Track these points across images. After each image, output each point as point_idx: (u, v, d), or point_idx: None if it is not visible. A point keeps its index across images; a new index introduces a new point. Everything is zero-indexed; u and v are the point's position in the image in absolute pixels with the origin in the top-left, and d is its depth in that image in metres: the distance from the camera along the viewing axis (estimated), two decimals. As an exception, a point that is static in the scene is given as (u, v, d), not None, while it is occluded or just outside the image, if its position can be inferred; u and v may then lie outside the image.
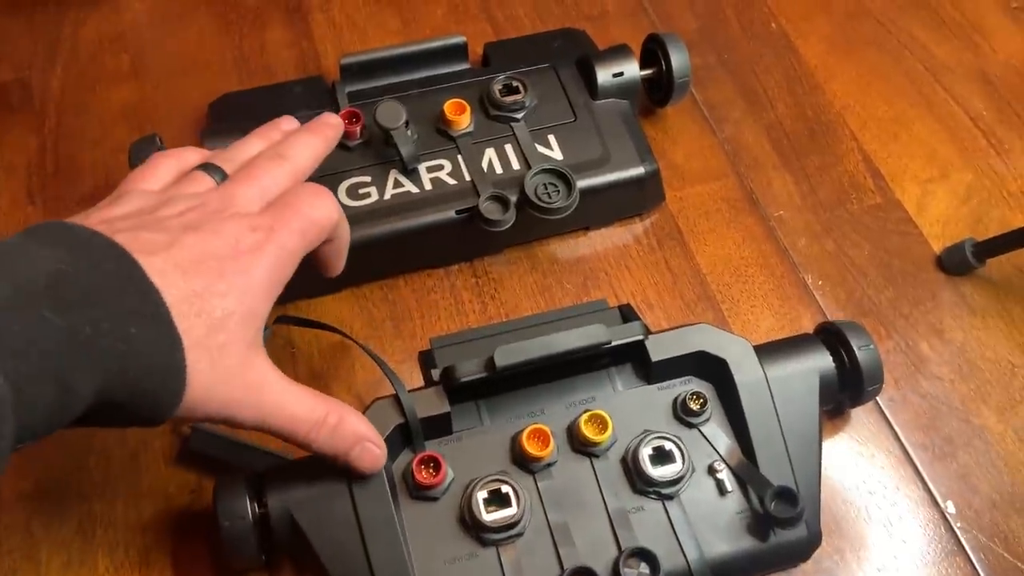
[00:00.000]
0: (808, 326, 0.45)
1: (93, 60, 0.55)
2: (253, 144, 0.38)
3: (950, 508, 0.40)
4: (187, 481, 0.41)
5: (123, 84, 0.54)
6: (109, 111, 0.53)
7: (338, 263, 0.39)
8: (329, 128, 0.40)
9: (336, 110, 0.47)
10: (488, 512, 0.36)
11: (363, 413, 0.37)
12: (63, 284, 0.27)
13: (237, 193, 0.34)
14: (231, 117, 0.49)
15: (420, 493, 0.37)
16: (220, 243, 0.31)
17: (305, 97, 0.49)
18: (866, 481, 0.41)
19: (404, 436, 0.37)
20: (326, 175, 0.45)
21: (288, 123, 0.40)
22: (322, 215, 0.35)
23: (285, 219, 0.33)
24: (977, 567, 0.39)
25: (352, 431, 0.34)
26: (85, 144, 0.52)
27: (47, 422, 0.26)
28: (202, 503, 0.40)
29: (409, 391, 0.38)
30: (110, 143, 0.51)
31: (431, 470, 0.37)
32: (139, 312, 0.28)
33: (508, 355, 0.37)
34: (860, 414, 0.43)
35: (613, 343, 0.38)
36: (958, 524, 0.40)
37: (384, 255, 0.46)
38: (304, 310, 0.46)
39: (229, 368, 0.31)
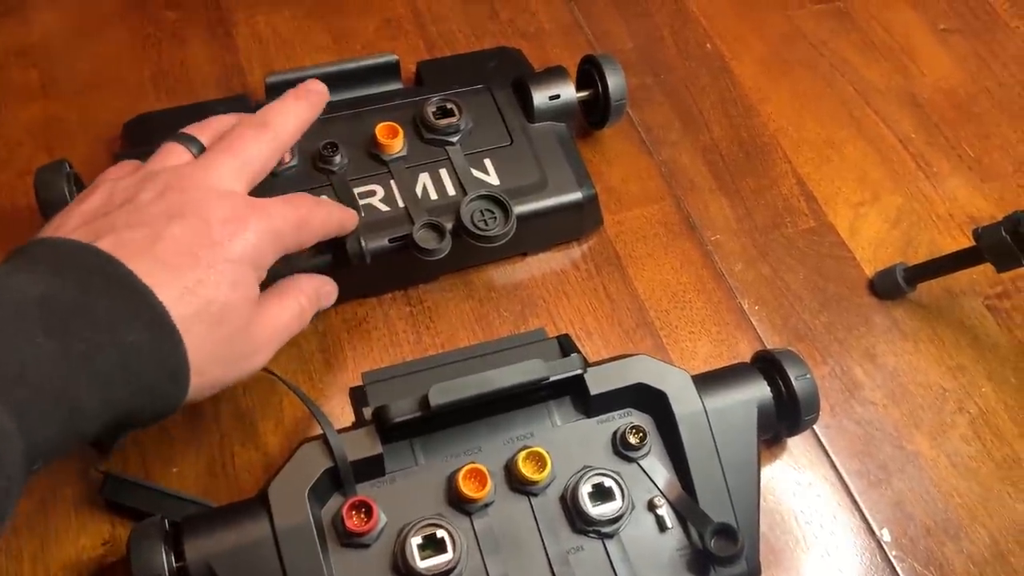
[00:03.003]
0: (745, 352, 0.45)
1: (-2, 75, 0.52)
2: (230, 118, 0.38)
3: (886, 536, 0.40)
4: (100, 531, 0.38)
5: (31, 101, 0.51)
6: (15, 130, 0.50)
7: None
8: (314, 94, 0.39)
9: (261, 132, 0.45)
10: (423, 559, 0.34)
11: (291, 457, 0.35)
12: (54, 306, 0.27)
13: (217, 166, 0.34)
14: (148, 138, 0.46)
15: (351, 540, 0.35)
16: (206, 230, 0.31)
17: (228, 118, 0.47)
18: (804, 510, 0.41)
19: (334, 480, 0.36)
20: (250, 202, 0.43)
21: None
22: (295, 217, 0.36)
23: (265, 208, 0.34)
24: (912, 595, 0.39)
25: (316, 290, 0.39)
26: (-12, 166, 0.48)
27: (60, 442, 0.27)
28: (117, 554, 0.38)
29: (339, 431, 0.36)
30: (16, 165, 0.48)
31: (363, 516, 0.35)
32: (136, 318, 0.28)
33: (443, 393, 0.36)
34: (797, 442, 0.43)
35: (552, 378, 0.37)
36: (894, 553, 0.40)
37: (313, 285, 0.44)
38: (228, 343, 0.43)
39: (232, 352, 0.32)
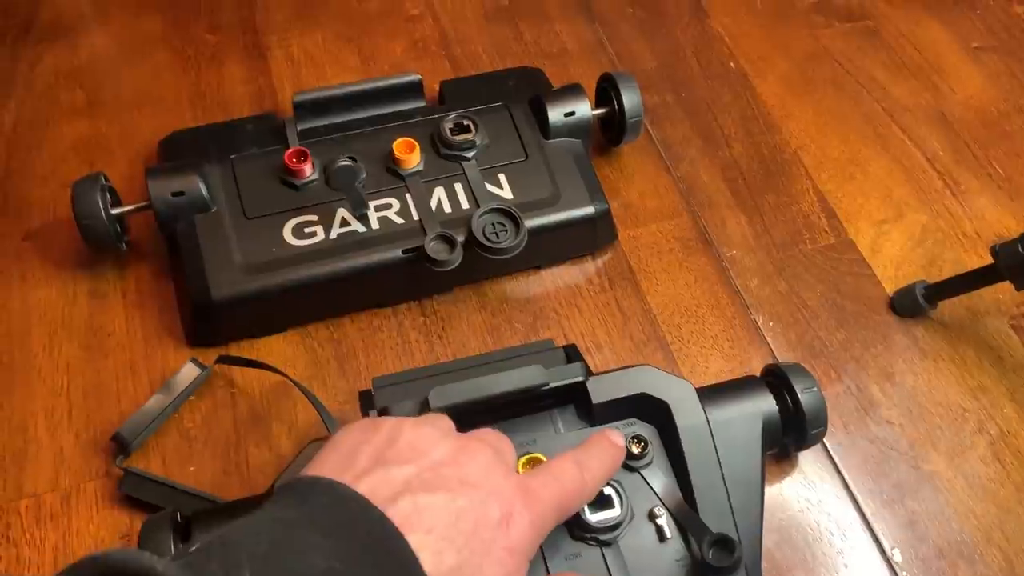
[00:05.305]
0: (757, 368, 0.45)
1: (48, 95, 0.55)
2: None
3: (896, 556, 0.39)
4: (119, 525, 0.40)
5: (77, 119, 0.54)
6: (60, 147, 0.53)
7: None
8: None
9: (285, 147, 0.47)
10: (419, 560, 0.35)
11: (298, 454, 0.36)
12: None
13: (510, 447, 0.32)
14: (180, 154, 0.48)
15: (351, 539, 0.36)
16: (488, 509, 0.28)
17: (255, 135, 0.49)
18: (812, 527, 0.40)
19: (337, 480, 0.37)
20: (270, 214, 0.45)
21: None
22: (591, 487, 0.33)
23: (536, 492, 0.31)
24: (923, 617, 0.38)
25: None
26: (35, 180, 0.51)
27: None
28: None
29: (345, 434, 0.37)
30: (59, 179, 0.51)
31: (363, 516, 0.36)
32: None
33: (443, 396, 0.36)
34: (808, 458, 0.42)
35: (552, 385, 0.38)
36: (904, 574, 0.39)
37: (330, 295, 0.45)
38: (248, 349, 0.45)
39: None
